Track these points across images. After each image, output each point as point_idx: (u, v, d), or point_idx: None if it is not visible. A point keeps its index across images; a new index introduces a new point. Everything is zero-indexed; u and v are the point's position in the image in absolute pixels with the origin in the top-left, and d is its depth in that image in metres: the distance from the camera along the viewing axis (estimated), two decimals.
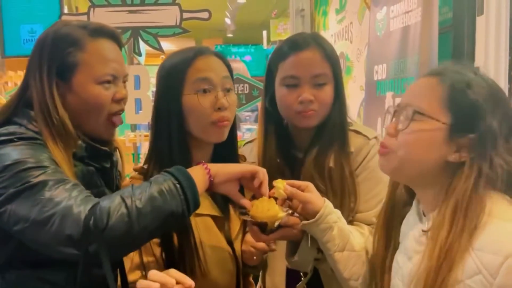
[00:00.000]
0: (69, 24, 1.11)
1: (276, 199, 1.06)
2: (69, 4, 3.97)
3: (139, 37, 2.12)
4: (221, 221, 1.18)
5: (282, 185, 1.06)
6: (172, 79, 1.13)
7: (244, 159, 1.30)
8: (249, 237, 1.17)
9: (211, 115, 1.10)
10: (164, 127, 1.13)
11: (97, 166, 1.12)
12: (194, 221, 1.12)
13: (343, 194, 1.19)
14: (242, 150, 1.36)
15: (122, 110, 1.16)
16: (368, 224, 1.18)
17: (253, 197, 1.10)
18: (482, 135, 0.82)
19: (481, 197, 0.81)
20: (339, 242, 1.06)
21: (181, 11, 2.08)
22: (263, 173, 1.03)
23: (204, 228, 1.13)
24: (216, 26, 6.31)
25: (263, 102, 1.31)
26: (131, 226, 0.88)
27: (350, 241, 1.07)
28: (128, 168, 1.41)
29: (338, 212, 1.08)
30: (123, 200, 0.90)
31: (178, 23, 2.09)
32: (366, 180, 1.22)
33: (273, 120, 1.27)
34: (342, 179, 1.20)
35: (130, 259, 1.09)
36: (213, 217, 1.16)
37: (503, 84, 1.78)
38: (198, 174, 0.97)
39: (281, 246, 1.24)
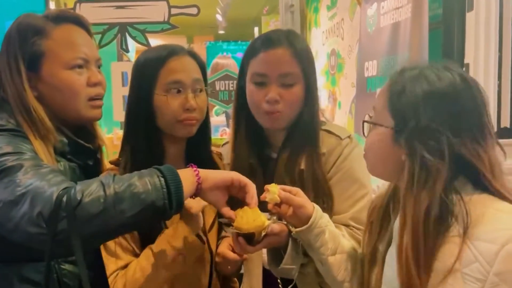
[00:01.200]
0: (31, 15, 1.10)
1: (260, 207, 1.03)
2: (57, 1, 3.91)
3: (126, 33, 2.09)
4: None
5: (276, 190, 1.02)
6: (145, 77, 1.16)
7: (220, 155, 1.34)
8: (222, 248, 1.17)
9: (180, 115, 1.15)
10: (136, 121, 1.18)
11: (80, 163, 1.10)
12: None
13: (316, 196, 1.16)
14: (221, 151, 1.36)
15: (101, 95, 1.14)
16: (345, 225, 1.15)
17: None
18: (411, 133, 0.84)
19: (415, 197, 0.83)
20: (332, 245, 1.04)
21: (169, 7, 2.06)
22: (252, 186, 1.01)
23: (177, 217, 1.12)
24: (207, 22, 6.27)
25: (236, 99, 1.28)
26: (106, 208, 0.82)
27: (341, 243, 1.06)
28: None
29: (326, 215, 1.06)
30: (102, 183, 0.85)
31: (166, 19, 2.07)
32: (341, 181, 1.18)
33: (245, 118, 1.24)
34: (314, 181, 1.17)
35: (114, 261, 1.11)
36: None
37: (493, 80, 1.78)
38: (187, 175, 0.94)
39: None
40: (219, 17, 5.90)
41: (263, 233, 1.03)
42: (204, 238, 1.18)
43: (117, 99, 2.22)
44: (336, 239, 1.06)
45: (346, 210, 1.17)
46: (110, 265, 1.11)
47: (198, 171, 0.96)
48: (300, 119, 1.20)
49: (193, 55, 1.20)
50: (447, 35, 1.82)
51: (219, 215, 1.16)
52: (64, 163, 1.07)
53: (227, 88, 2.29)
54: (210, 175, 0.97)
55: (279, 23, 3.63)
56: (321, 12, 3.61)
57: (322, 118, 1.28)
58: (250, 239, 1.03)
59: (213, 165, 1.28)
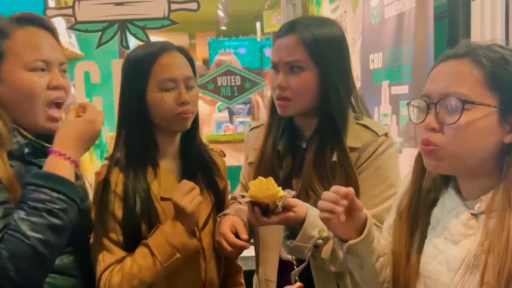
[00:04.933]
0: None
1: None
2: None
3: (126, 30, 2.06)
4: None
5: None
6: (137, 74, 1.18)
7: (221, 152, 1.37)
8: (224, 228, 1.16)
9: (175, 109, 1.17)
10: (129, 118, 1.20)
11: (41, 164, 1.07)
12: (160, 205, 1.17)
13: None
14: (247, 136, 1.38)
15: (61, 99, 1.13)
16: None
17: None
18: None
19: None
20: (378, 251, 0.99)
21: (169, 3, 2.03)
22: None
23: (171, 212, 1.15)
24: (208, 19, 6.25)
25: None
26: (39, 255, 0.94)
27: (381, 245, 1.01)
28: None
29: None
30: (25, 237, 0.93)
31: (166, 15, 2.04)
32: (370, 178, 1.16)
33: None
34: (346, 176, 1.15)
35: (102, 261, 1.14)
36: None
37: None
38: (60, 166, 1.01)
39: (274, 237, 1.23)
40: (220, 13, 5.87)
41: (278, 204, 1.02)
42: (198, 234, 1.20)
43: (118, 97, 2.19)
44: (379, 242, 0.99)
45: (370, 208, 1.12)
46: (105, 258, 1.13)
47: (59, 151, 1.02)
48: (324, 108, 1.17)
49: (182, 51, 1.23)
50: (452, 25, 1.78)
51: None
52: (19, 167, 1.05)
53: (229, 84, 2.27)
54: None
55: (281, 17, 3.60)
56: (323, 5, 3.57)
57: (363, 113, 1.26)
58: (264, 210, 1.04)
59: (209, 159, 1.30)
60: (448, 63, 0.86)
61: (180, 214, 1.11)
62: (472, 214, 0.86)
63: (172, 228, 1.12)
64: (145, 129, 1.19)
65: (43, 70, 1.09)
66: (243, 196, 1.07)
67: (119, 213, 1.15)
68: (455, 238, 0.87)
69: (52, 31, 1.15)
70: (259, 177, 1.04)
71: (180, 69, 1.19)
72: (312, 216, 1.07)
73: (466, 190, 0.89)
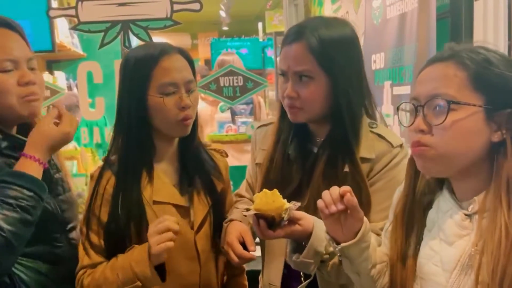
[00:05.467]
0: None
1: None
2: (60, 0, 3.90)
3: (129, 31, 2.07)
4: (185, 211, 1.20)
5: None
6: (137, 78, 1.15)
7: (223, 152, 1.35)
8: (231, 238, 1.15)
9: (177, 114, 1.16)
10: (128, 121, 1.17)
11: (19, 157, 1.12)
12: (152, 209, 1.16)
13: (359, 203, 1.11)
14: (255, 133, 1.36)
15: (35, 93, 1.16)
16: (375, 234, 1.10)
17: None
18: None
19: None
20: (373, 258, 0.99)
21: (172, 3, 2.04)
22: None
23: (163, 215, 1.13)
24: (210, 19, 6.25)
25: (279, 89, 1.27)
26: (11, 247, 1.01)
27: (378, 253, 1.01)
28: None
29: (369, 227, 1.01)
30: (1, 229, 1.00)
31: (168, 15, 2.04)
32: (382, 190, 1.13)
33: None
34: (357, 188, 1.10)
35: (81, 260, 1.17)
36: (175, 206, 1.19)
37: None
38: (30, 167, 1.08)
39: (280, 242, 1.21)
40: (222, 13, 5.88)
41: (284, 216, 1.01)
42: (193, 236, 1.19)
43: (117, 98, 2.19)
44: (375, 250, 1.01)
45: (381, 220, 1.11)
46: (83, 259, 1.17)
47: (29, 155, 1.08)
48: (336, 115, 1.15)
49: (183, 53, 1.20)
50: (454, 25, 1.78)
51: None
52: None
53: (231, 84, 2.26)
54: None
55: (283, 17, 3.60)
56: (325, 6, 3.56)
57: (378, 121, 1.23)
58: (270, 222, 1.02)
59: (208, 160, 1.29)
60: (434, 66, 0.87)
61: (148, 247, 1.08)
62: (466, 214, 0.87)
63: (139, 255, 1.09)
64: (144, 133, 1.17)
65: (10, 70, 1.13)
66: (248, 209, 1.05)
67: (104, 217, 1.16)
68: (449, 239, 0.88)
69: (17, 30, 1.18)
70: (264, 189, 1.02)
71: (181, 72, 1.17)
72: (318, 230, 1.05)
73: (460, 191, 0.90)
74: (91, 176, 1.22)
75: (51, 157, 1.19)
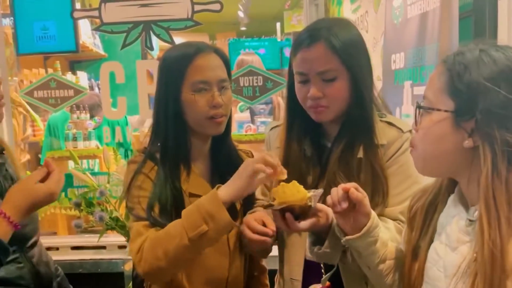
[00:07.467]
0: None
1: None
2: (83, 1, 3.97)
3: (150, 31, 2.10)
4: None
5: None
6: (172, 76, 1.19)
7: (249, 153, 1.36)
8: (248, 218, 1.15)
9: (208, 112, 1.19)
10: (165, 119, 1.21)
11: None
12: (189, 201, 1.18)
13: (373, 190, 1.13)
14: (268, 135, 1.37)
15: None
16: (393, 219, 1.13)
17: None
18: (485, 115, 0.77)
19: (506, 178, 0.76)
20: (382, 253, 1.00)
21: (192, 4, 2.06)
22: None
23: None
24: (229, 19, 6.27)
25: (287, 88, 1.28)
26: None
27: (389, 248, 1.02)
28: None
29: (380, 224, 1.02)
30: None
31: (189, 16, 2.07)
32: (395, 175, 1.16)
33: (297, 109, 1.23)
34: (373, 174, 1.15)
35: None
36: None
37: None
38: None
39: (299, 237, 1.23)
40: (241, 14, 5.89)
41: (310, 204, 1.00)
42: (226, 234, 1.18)
43: (142, 97, 2.23)
44: (385, 245, 1.01)
45: (395, 204, 1.14)
46: (140, 231, 1.14)
47: (4, 213, 1.04)
48: (352, 110, 1.17)
49: (218, 52, 1.22)
50: (478, 24, 1.76)
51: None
52: None
53: (251, 84, 2.28)
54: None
55: (301, 17, 3.60)
56: (344, 5, 3.55)
57: (383, 111, 1.25)
58: (295, 214, 1.02)
59: (238, 161, 1.29)
60: (436, 67, 0.89)
61: (239, 172, 1.07)
62: (470, 220, 0.86)
63: (208, 197, 1.08)
64: (180, 130, 1.21)
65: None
66: (270, 205, 1.04)
67: (148, 187, 1.18)
68: (453, 244, 0.87)
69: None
70: (282, 183, 1.03)
71: (214, 71, 1.19)
72: None
73: (469, 196, 0.89)
74: (132, 162, 1.24)
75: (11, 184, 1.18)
